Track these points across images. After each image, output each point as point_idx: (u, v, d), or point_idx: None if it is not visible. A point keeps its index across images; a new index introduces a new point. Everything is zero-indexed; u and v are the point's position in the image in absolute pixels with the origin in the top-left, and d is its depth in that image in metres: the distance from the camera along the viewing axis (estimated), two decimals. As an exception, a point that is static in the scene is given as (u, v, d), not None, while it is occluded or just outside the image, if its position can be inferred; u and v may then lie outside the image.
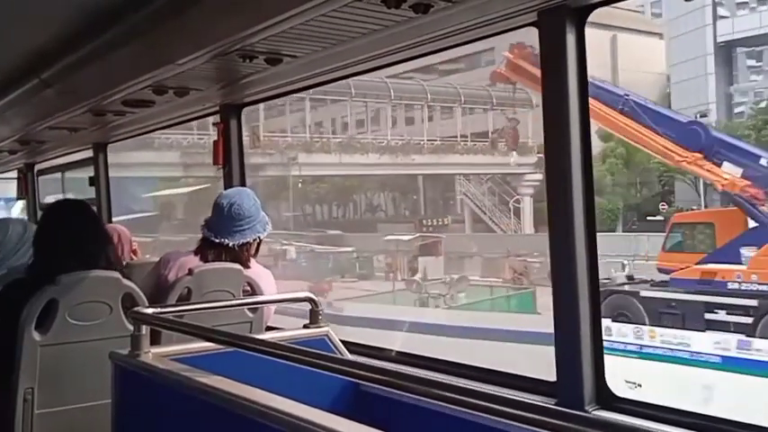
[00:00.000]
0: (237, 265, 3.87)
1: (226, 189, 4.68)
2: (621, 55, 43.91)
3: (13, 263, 3.93)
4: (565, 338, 2.92)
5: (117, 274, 3.46)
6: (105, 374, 2.85)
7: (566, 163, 2.89)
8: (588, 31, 2.88)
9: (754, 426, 2.58)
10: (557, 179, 2.95)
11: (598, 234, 2.94)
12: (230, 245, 3.90)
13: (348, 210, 53.31)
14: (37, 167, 8.63)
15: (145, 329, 2.74)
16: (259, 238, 4.02)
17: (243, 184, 4.97)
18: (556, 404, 2.87)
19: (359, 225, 46.50)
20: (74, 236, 3.52)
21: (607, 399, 2.88)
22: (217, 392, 2.33)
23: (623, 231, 37.64)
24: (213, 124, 5.05)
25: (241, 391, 2.26)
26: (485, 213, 45.02)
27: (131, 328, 2.80)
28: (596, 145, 41.45)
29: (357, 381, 2.72)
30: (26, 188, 8.69)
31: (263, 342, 2.56)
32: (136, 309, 2.92)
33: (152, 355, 2.73)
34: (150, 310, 2.94)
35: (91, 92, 4.76)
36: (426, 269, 29.80)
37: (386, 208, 52.48)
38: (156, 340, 2.96)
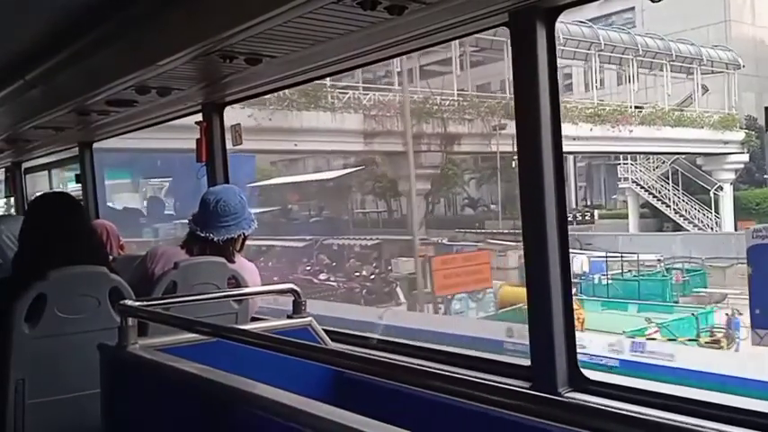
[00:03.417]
0: (222, 259, 3.95)
1: (210, 186, 4.78)
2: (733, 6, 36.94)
3: None
4: (538, 325, 3.02)
5: (104, 269, 3.53)
6: (94, 365, 2.93)
7: (538, 159, 2.96)
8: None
9: (726, 406, 2.66)
10: (529, 175, 3.03)
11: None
12: (215, 239, 3.99)
13: (430, 205, 39.54)
14: (24, 165, 8.68)
15: (132, 321, 2.81)
16: (244, 234, 4.11)
17: (226, 180, 5.04)
18: (531, 388, 2.96)
19: (460, 224, 35.78)
20: (61, 230, 3.58)
21: (580, 382, 2.96)
22: (203, 382, 2.40)
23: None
24: (196, 123, 5.12)
25: (227, 380, 2.32)
26: (668, 206, 35.15)
27: (119, 320, 2.87)
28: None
29: (340, 369, 2.81)
30: (14, 186, 8.73)
31: (247, 332, 2.63)
32: (123, 301, 2.98)
33: (139, 346, 2.80)
34: (137, 303, 3.01)
35: (75, 92, 4.81)
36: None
37: (488, 202, 39.87)
38: (143, 332, 3.02)
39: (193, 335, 2.79)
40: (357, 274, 28.32)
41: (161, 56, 3.74)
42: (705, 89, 34.82)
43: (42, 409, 3.34)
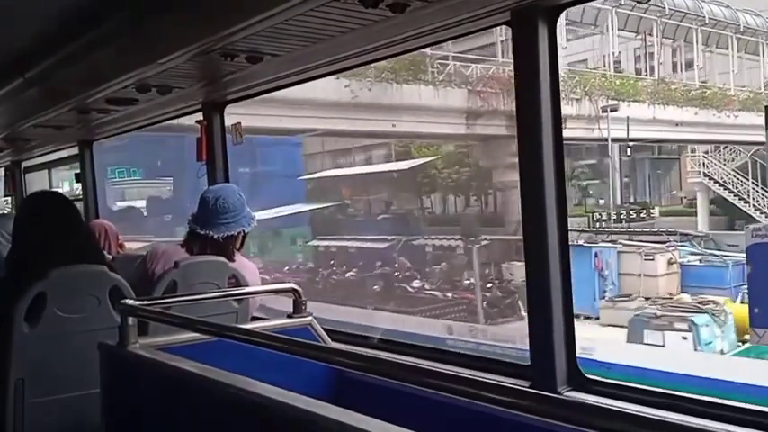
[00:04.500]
0: (222, 258, 3.96)
1: (210, 185, 4.78)
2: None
3: None
4: (538, 324, 3.02)
5: (104, 268, 3.52)
6: (94, 365, 2.93)
7: (539, 158, 2.96)
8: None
9: (725, 405, 2.66)
10: (530, 173, 3.02)
11: None
12: (215, 237, 4.00)
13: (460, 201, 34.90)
14: (24, 165, 8.67)
15: (132, 321, 2.81)
16: (243, 231, 4.12)
17: (227, 179, 5.04)
18: (530, 387, 2.96)
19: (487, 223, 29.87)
20: (59, 229, 3.57)
21: (579, 381, 2.97)
22: (203, 381, 2.40)
23: None
24: (196, 122, 5.12)
25: (227, 379, 2.33)
26: (746, 201, 30.61)
27: (119, 319, 2.88)
28: None
29: (340, 368, 2.81)
30: (13, 185, 8.72)
31: (248, 332, 2.63)
32: (123, 301, 2.99)
33: (139, 345, 2.81)
34: (138, 302, 3.01)
35: (75, 91, 4.81)
36: None
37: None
38: (143, 331, 3.02)
39: (194, 334, 2.79)
40: (468, 281, 23.99)
41: (162, 54, 3.74)
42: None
43: (42, 409, 3.33)
